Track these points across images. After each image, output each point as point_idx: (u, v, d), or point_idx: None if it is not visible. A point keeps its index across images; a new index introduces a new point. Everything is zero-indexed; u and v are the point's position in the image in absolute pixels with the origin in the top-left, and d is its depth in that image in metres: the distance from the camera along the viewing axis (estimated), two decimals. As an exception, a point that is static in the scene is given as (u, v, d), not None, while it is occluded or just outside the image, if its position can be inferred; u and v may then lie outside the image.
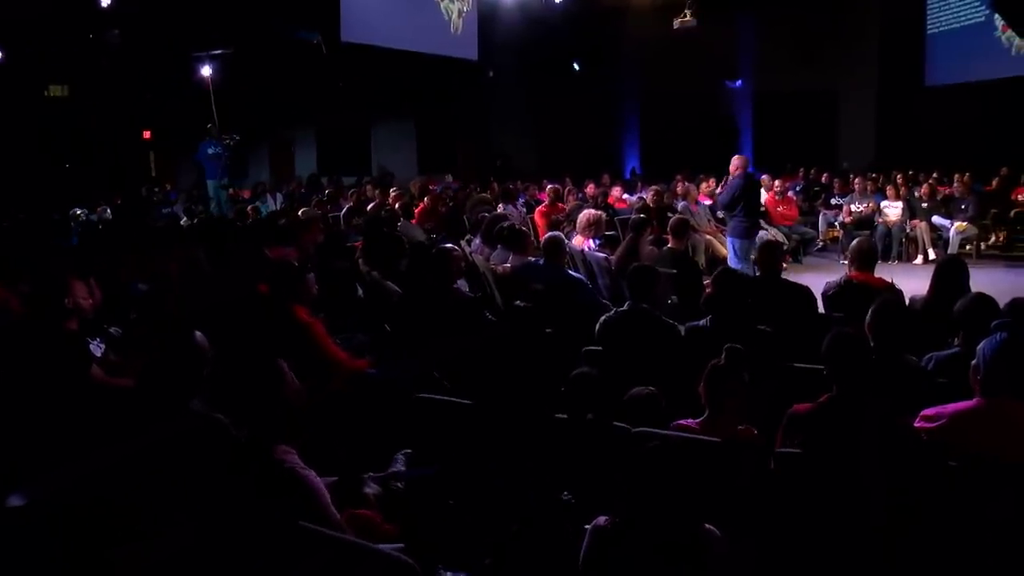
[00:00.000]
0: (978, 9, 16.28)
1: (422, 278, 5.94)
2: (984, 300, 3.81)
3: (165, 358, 3.12)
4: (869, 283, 5.09)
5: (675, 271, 6.65)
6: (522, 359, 4.23)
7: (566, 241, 8.26)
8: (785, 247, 12.03)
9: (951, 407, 3.00)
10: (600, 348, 4.39)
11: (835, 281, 5.23)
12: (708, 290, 6.86)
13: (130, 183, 9.77)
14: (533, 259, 6.70)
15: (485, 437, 3.38)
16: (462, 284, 8.47)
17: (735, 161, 9.26)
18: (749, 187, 9.03)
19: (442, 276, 5.44)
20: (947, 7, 17.24)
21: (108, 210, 12.12)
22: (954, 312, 3.81)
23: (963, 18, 16.78)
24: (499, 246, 7.32)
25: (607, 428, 3.24)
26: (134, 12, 9.48)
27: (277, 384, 2.77)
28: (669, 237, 7.69)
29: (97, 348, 4.99)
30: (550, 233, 6.46)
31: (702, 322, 4.25)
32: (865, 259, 5.16)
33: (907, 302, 5.01)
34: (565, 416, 3.35)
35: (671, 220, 7.32)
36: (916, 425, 3.01)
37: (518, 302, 5.42)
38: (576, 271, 8.13)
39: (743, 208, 8.93)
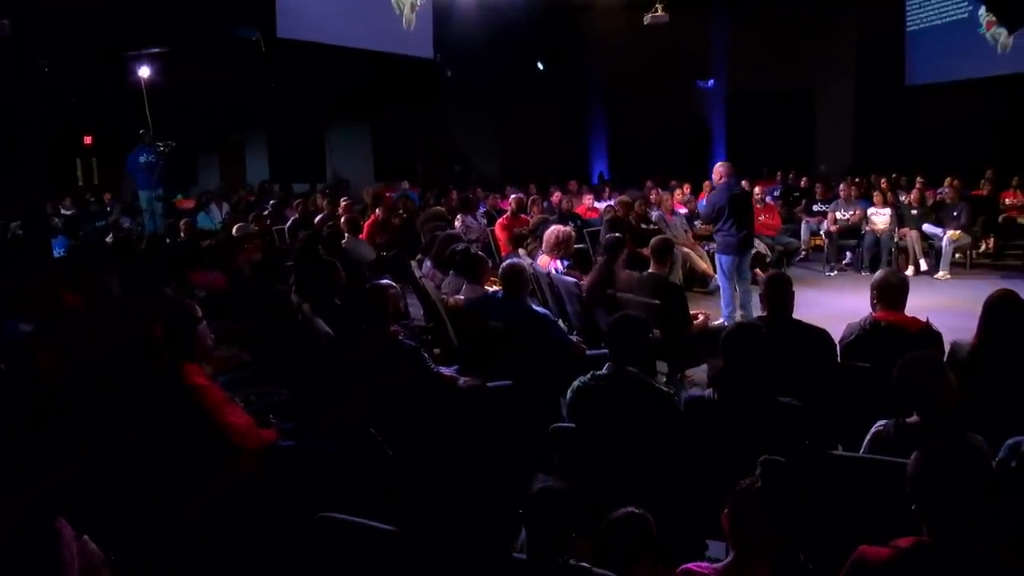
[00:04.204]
0: (960, 5, 15.63)
1: (355, 318, 4.91)
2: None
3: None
4: (901, 325, 4.13)
5: (657, 301, 5.66)
6: (467, 456, 3.20)
7: (530, 263, 7.28)
8: (768, 259, 11.18)
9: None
10: (572, 425, 3.37)
11: (858, 324, 4.26)
12: (698, 320, 6.00)
13: (37, 194, 8.57)
14: (491, 290, 5.69)
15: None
16: (416, 307, 7.52)
17: (718, 169, 8.33)
18: (735, 198, 8.09)
19: (374, 320, 4.40)
20: (927, 3, 16.61)
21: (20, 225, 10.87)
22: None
23: (945, 14, 16.14)
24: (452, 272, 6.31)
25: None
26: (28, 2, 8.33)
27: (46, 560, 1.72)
28: (649, 257, 6.73)
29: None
30: (509, 261, 5.44)
31: (706, 392, 3.25)
32: (893, 295, 4.19)
33: (948, 350, 4.08)
34: (524, 556, 2.34)
35: (652, 241, 6.31)
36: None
37: (463, 380, 4.35)
38: (541, 293, 7.16)
39: (730, 221, 7.99)
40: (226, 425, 3.76)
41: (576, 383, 3.43)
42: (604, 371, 3.39)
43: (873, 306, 4.27)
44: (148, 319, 4.69)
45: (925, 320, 4.21)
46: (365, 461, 3.83)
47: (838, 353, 4.28)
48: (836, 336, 4.41)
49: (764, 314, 4.37)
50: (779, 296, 4.33)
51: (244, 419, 3.94)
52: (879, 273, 4.41)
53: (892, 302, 4.21)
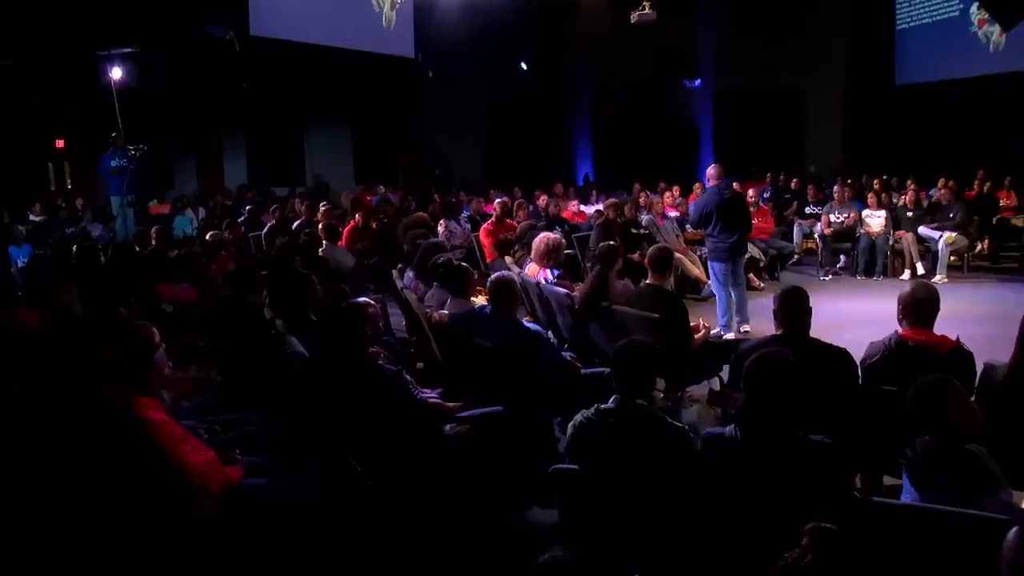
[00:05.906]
0: (951, 2, 15.39)
1: (332, 337, 4.50)
2: None
3: None
4: (930, 344, 3.76)
5: (656, 314, 5.28)
6: (455, 494, 2.80)
7: (518, 272, 6.90)
8: (762, 263, 10.83)
9: None
10: (574, 467, 2.97)
11: (881, 342, 3.88)
12: (699, 334, 5.62)
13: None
14: (478, 303, 5.29)
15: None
16: (398, 317, 7.11)
17: (708, 171, 8.20)
18: (725, 201, 7.78)
19: (352, 341, 4.00)
20: (918, 1, 16.31)
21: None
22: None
23: (935, 12, 15.91)
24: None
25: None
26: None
27: None
28: (640, 263, 6.35)
29: None
30: (497, 274, 5.04)
31: (727, 430, 2.85)
32: (922, 311, 3.81)
33: (980, 372, 3.74)
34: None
35: (651, 251, 5.89)
36: None
37: (451, 427, 3.92)
38: (530, 304, 6.77)
39: (719, 226, 7.71)
40: (184, 465, 3.35)
41: (579, 418, 3.02)
42: (610, 404, 2.99)
43: (900, 322, 3.90)
44: (105, 340, 4.27)
45: (956, 339, 3.84)
46: (341, 502, 3.43)
47: (859, 375, 3.90)
48: (843, 343, 4.05)
49: (779, 332, 3.99)
50: (795, 312, 3.95)
51: (205, 456, 3.53)
52: (907, 286, 4.03)
53: (920, 319, 3.83)
